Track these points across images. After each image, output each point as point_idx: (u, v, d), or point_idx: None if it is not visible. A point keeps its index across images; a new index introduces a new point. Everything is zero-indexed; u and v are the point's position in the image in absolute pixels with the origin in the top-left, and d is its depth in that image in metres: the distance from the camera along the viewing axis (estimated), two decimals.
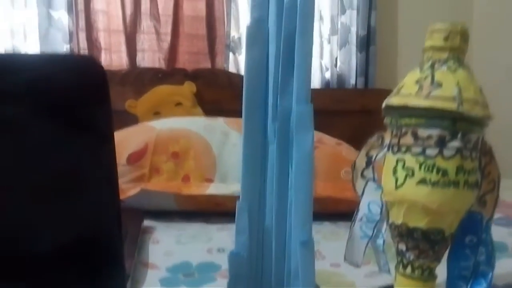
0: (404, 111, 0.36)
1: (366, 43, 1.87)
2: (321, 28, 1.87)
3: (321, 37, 1.87)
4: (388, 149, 0.37)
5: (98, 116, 0.42)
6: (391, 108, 0.37)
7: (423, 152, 0.34)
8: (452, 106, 0.33)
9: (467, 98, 0.33)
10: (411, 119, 0.35)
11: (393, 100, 0.37)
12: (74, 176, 0.45)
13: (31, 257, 0.47)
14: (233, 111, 1.56)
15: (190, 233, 0.68)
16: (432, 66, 0.36)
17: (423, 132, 0.35)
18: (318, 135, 0.88)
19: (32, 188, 0.46)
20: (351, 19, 1.88)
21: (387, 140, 0.38)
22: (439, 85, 0.34)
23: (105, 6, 1.72)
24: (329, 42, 1.88)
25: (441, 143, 0.34)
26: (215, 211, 0.77)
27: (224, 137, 0.80)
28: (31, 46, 1.62)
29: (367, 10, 1.85)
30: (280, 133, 0.39)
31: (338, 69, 1.91)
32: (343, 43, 1.89)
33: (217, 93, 1.63)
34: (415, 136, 0.35)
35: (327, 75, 1.90)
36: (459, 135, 0.34)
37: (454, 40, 0.36)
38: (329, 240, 0.64)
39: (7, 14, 1.59)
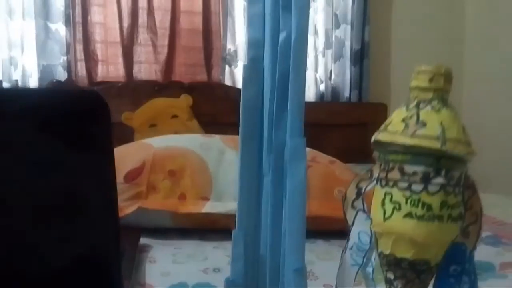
0: (391, 147, 0.38)
1: (360, 57, 1.91)
2: (316, 42, 1.90)
3: (315, 50, 1.90)
4: (377, 182, 0.39)
5: (100, 142, 0.44)
6: (379, 144, 0.39)
7: (409, 187, 0.37)
8: (436, 145, 0.35)
9: (450, 138, 0.36)
10: (397, 156, 0.37)
11: (381, 136, 0.39)
12: (75, 196, 0.47)
13: (30, 277, 0.48)
14: (229, 124, 1.58)
15: (186, 252, 0.69)
16: (418, 106, 0.38)
17: (409, 168, 0.37)
18: (312, 153, 0.91)
19: (33, 208, 0.48)
20: (345, 33, 1.91)
21: (375, 174, 0.40)
22: (424, 124, 0.36)
23: (102, 19, 1.74)
24: (323, 55, 1.92)
25: (426, 179, 0.36)
26: (210, 228, 0.78)
27: (220, 155, 0.82)
28: (28, 58, 1.63)
29: (361, 24, 1.89)
30: (275, 164, 0.41)
31: (332, 82, 1.94)
32: (338, 57, 1.93)
33: (213, 106, 1.66)
34: (402, 171, 0.37)
35: (322, 87, 1.93)
36: (442, 172, 0.36)
37: (438, 81, 0.38)
38: (323, 260, 0.66)
39: (4, 25, 1.60)
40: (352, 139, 1.79)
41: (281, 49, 0.39)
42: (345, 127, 1.80)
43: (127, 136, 1.52)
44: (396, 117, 0.39)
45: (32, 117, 0.39)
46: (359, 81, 1.92)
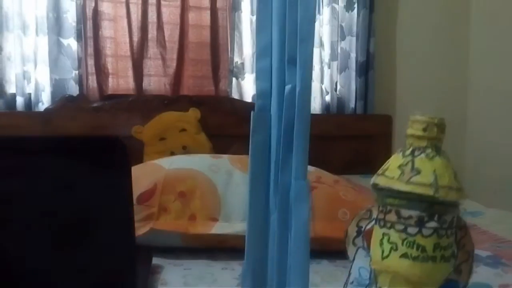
0: (389, 192, 0.41)
1: (365, 68, 1.93)
2: (322, 54, 1.93)
3: (321, 62, 1.93)
4: (376, 223, 0.42)
5: (120, 185, 0.47)
6: (378, 187, 0.42)
7: (405, 229, 0.40)
8: (429, 192, 0.38)
9: (442, 185, 0.39)
10: (394, 200, 0.41)
11: (379, 180, 0.42)
12: (95, 231, 0.50)
13: None
14: (236, 136, 1.62)
15: (196, 274, 0.73)
16: (413, 153, 0.41)
17: (405, 212, 0.40)
18: (316, 173, 0.94)
19: (53, 232, 0.51)
20: (351, 45, 1.94)
21: (374, 214, 0.43)
22: (418, 171, 0.39)
23: (113, 33, 1.79)
24: (329, 67, 1.94)
25: (420, 223, 0.39)
26: (219, 248, 0.82)
27: (228, 177, 0.86)
28: (41, 72, 1.68)
29: (366, 36, 1.92)
30: (281, 204, 0.45)
31: (338, 93, 1.97)
32: (343, 68, 1.95)
33: (221, 119, 1.69)
34: (398, 214, 0.40)
35: (328, 98, 1.96)
36: (435, 217, 0.39)
37: (432, 131, 0.41)
38: (327, 283, 0.69)
39: (18, 40, 1.65)
40: (358, 151, 1.82)
41: (286, 99, 0.43)
42: (351, 139, 1.82)
43: (138, 149, 1.56)
44: (393, 163, 0.42)
45: (60, 169, 0.43)
46: (365, 92, 1.94)
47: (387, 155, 1.66)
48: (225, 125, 1.68)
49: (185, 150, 1.55)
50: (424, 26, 2.04)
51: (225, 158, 0.93)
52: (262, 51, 0.43)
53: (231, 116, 1.68)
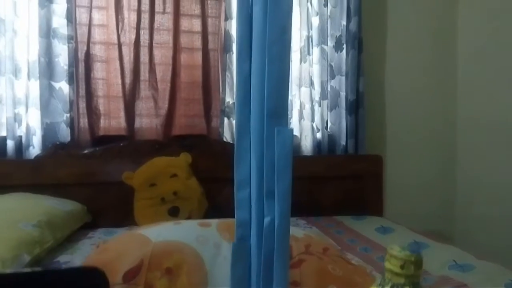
0: None
1: (355, 106, 1.95)
2: (312, 93, 1.95)
3: (312, 101, 1.95)
4: None
5: None
6: None
7: None
8: None
9: None
10: None
11: None
12: None
13: None
14: (226, 179, 1.61)
15: None
16: None
17: None
18: (306, 239, 0.94)
19: None
20: (340, 84, 1.97)
21: None
22: None
23: (105, 75, 1.79)
24: (319, 105, 1.96)
25: None
26: None
27: (216, 250, 0.85)
28: (32, 116, 1.67)
29: (355, 76, 1.94)
30: None
31: (329, 130, 1.98)
32: (333, 106, 1.97)
33: (212, 162, 1.70)
34: None
35: (319, 135, 1.97)
36: None
37: (409, 268, 0.42)
38: None
39: (10, 84, 1.64)
40: (349, 191, 1.82)
41: (266, 231, 0.43)
42: (342, 179, 1.83)
43: (129, 193, 1.56)
44: None
45: None
46: (355, 130, 1.96)
47: (378, 196, 1.69)
48: (216, 168, 1.68)
49: (176, 195, 1.55)
50: (413, 65, 2.08)
51: (213, 227, 0.93)
52: (241, 183, 0.44)
53: (222, 159, 1.68)
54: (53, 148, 1.57)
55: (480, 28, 2.02)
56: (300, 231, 1.01)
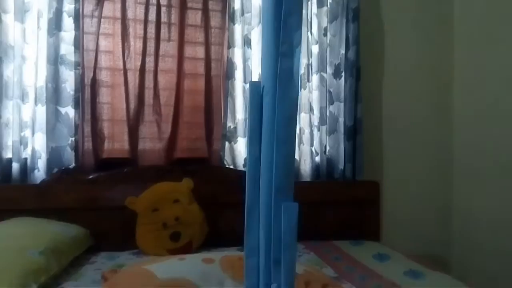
0: None
1: (353, 132, 2.00)
2: (311, 118, 2.00)
3: (311, 126, 2.00)
4: None
5: None
6: None
7: None
8: None
9: None
10: None
11: None
12: None
13: None
14: (227, 204, 1.67)
15: None
16: None
17: None
18: (306, 275, 0.98)
19: None
20: (339, 110, 2.02)
21: None
22: None
23: (110, 99, 1.83)
24: (318, 130, 2.01)
25: None
26: None
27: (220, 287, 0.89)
28: (38, 140, 1.71)
29: (353, 102, 2.00)
30: None
31: (327, 154, 2.03)
32: (332, 131, 2.02)
33: (213, 188, 1.74)
34: None
35: (317, 159, 2.02)
36: None
37: None
38: None
39: (17, 109, 1.68)
40: (346, 217, 1.87)
41: None
42: (340, 205, 1.87)
43: (131, 219, 1.59)
44: None
45: None
46: (353, 155, 2.00)
47: (376, 221, 1.74)
48: (218, 193, 1.72)
49: (178, 221, 1.59)
50: (409, 92, 2.14)
51: (216, 263, 0.96)
52: (250, 251, 0.48)
53: (223, 185, 1.73)
54: (59, 173, 1.61)
55: (476, 58, 2.08)
56: (301, 266, 1.05)
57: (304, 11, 1.97)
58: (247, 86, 1.93)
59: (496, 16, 1.95)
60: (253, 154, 0.48)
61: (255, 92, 0.48)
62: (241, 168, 1.93)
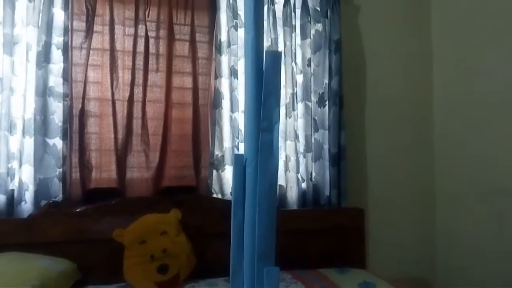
0: None
1: (337, 159, 2.06)
2: (297, 145, 2.05)
3: (296, 153, 2.05)
4: None
5: None
6: None
7: None
8: None
9: None
10: None
11: None
12: None
13: None
14: (214, 234, 1.68)
15: None
16: None
17: None
18: None
19: None
20: (324, 138, 2.08)
21: None
22: None
23: (98, 129, 1.84)
24: (304, 157, 2.06)
25: None
26: None
27: None
28: (25, 171, 1.70)
29: (337, 130, 2.06)
30: None
31: (313, 180, 2.07)
32: (317, 157, 2.07)
33: (201, 218, 1.76)
34: None
35: (304, 185, 2.06)
36: None
37: None
38: None
39: (4, 140, 1.68)
40: (332, 244, 1.90)
41: None
42: (325, 232, 1.91)
43: (118, 251, 1.59)
44: None
45: None
46: (338, 181, 2.05)
47: (361, 248, 1.77)
48: (205, 223, 1.74)
49: (165, 253, 1.60)
50: (390, 119, 2.22)
51: None
52: None
53: (211, 215, 1.75)
54: (46, 207, 1.61)
55: (454, 86, 2.17)
56: None
57: (288, 43, 2.04)
58: (234, 115, 1.97)
59: (473, 49, 2.05)
60: (237, 220, 0.52)
61: (239, 163, 0.52)
62: (228, 196, 1.95)
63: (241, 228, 0.52)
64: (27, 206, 1.69)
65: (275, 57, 0.51)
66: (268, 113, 0.49)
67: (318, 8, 2.08)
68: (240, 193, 0.52)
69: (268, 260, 0.50)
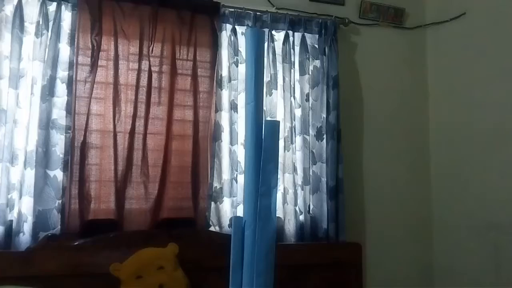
0: None
1: (335, 192, 2.07)
2: (295, 178, 2.07)
3: (294, 186, 2.06)
4: None
5: None
6: None
7: None
8: None
9: None
10: None
11: None
12: None
13: None
14: (212, 269, 1.67)
15: None
16: None
17: None
18: None
19: None
20: (321, 171, 2.10)
21: None
22: None
23: (98, 161, 1.86)
24: (302, 189, 2.08)
25: None
26: None
27: None
28: (25, 203, 1.71)
29: (335, 163, 2.08)
30: None
31: (311, 213, 2.08)
32: (315, 190, 2.09)
33: (199, 252, 1.75)
34: None
35: (301, 218, 2.07)
36: None
37: None
38: None
39: (5, 171, 1.70)
40: (330, 278, 1.90)
41: None
42: (323, 267, 1.90)
43: (116, 285, 1.58)
44: None
45: None
46: (336, 214, 2.06)
47: (358, 283, 1.76)
48: (203, 258, 1.74)
49: None
50: (387, 152, 2.25)
51: None
52: None
53: (209, 249, 1.75)
54: (44, 240, 1.61)
55: (450, 118, 2.22)
56: None
57: (287, 78, 2.09)
58: (233, 148, 2.00)
59: (468, 83, 2.11)
60: (235, 282, 0.53)
61: (238, 226, 0.54)
62: (226, 228, 1.96)
63: None
64: (25, 237, 1.69)
65: (274, 126, 0.55)
66: (266, 179, 0.52)
67: (316, 46, 2.16)
68: (239, 256, 0.54)
69: None
